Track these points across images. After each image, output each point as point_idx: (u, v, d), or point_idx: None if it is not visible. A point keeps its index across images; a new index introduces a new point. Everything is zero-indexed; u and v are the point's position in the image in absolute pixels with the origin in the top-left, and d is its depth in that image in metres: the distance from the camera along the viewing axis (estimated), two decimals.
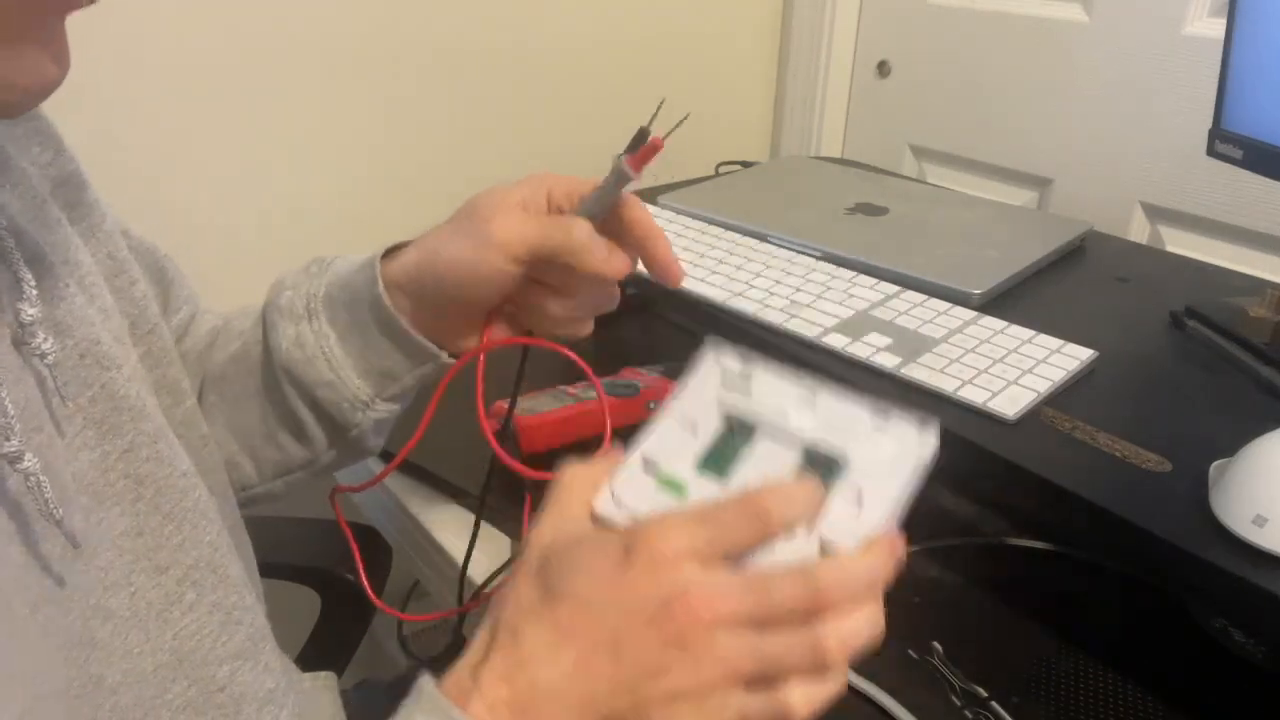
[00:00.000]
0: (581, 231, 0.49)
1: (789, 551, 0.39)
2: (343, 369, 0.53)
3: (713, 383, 0.46)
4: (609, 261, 0.50)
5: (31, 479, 0.34)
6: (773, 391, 0.45)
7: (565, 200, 0.52)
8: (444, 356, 0.53)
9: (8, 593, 0.33)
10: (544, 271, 0.51)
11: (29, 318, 0.37)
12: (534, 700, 0.34)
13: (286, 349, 0.53)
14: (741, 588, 0.35)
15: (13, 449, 0.34)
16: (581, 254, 0.49)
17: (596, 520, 0.41)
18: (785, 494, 0.38)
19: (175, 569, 0.42)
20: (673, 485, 0.42)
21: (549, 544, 0.38)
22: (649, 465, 0.43)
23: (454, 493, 0.71)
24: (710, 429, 0.44)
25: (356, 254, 0.56)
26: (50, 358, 0.37)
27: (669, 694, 0.34)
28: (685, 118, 0.55)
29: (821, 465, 0.42)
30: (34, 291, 0.37)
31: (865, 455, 0.42)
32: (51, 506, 0.35)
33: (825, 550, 0.39)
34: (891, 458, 0.42)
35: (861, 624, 0.36)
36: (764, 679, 0.35)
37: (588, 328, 0.55)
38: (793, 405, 0.44)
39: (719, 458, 0.43)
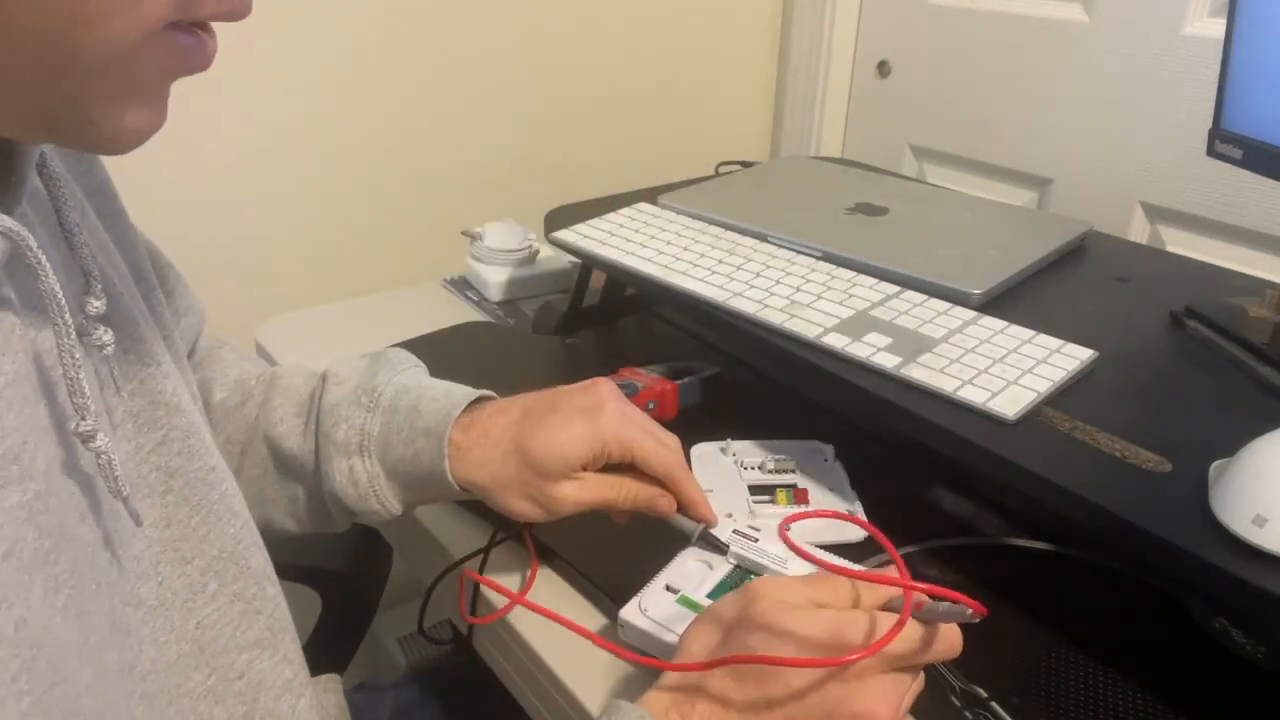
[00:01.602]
0: (631, 491, 0.56)
1: None
2: (388, 501, 0.58)
3: (725, 534, 0.56)
4: (659, 508, 0.56)
5: (103, 457, 0.36)
6: (776, 547, 0.56)
7: (619, 450, 0.55)
8: (476, 495, 0.57)
9: (82, 569, 0.35)
10: None
11: (95, 310, 0.39)
12: None
13: (340, 483, 0.57)
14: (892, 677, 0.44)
15: (88, 427, 0.35)
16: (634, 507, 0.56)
17: (623, 625, 0.52)
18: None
19: (199, 559, 0.44)
20: (690, 604, 0.53)
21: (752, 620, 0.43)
22: (671, 589, 0.54)
23: None
24: (723, 568, 0.55)
25: (407, 391, 0.59)
26: (108, 349, 0.39)
27: None
28: None
29: None
30: (99, 286, 0.39)
31: None
32: (120, 484, 0.37)
33: None
34: None
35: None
36: None
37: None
38: (793, 558, 0.55)
39: (729, 589, 0.53)
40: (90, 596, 0.35)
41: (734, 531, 0.57)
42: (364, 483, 0.57)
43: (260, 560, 0.48)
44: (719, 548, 0.56)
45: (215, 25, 0.35)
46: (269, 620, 0.47)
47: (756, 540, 0.57)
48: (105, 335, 0.39)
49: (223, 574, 0.45)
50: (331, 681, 0.61)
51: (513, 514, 0.55)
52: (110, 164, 1.00)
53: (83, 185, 0.47)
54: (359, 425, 0.57)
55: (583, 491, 0.54)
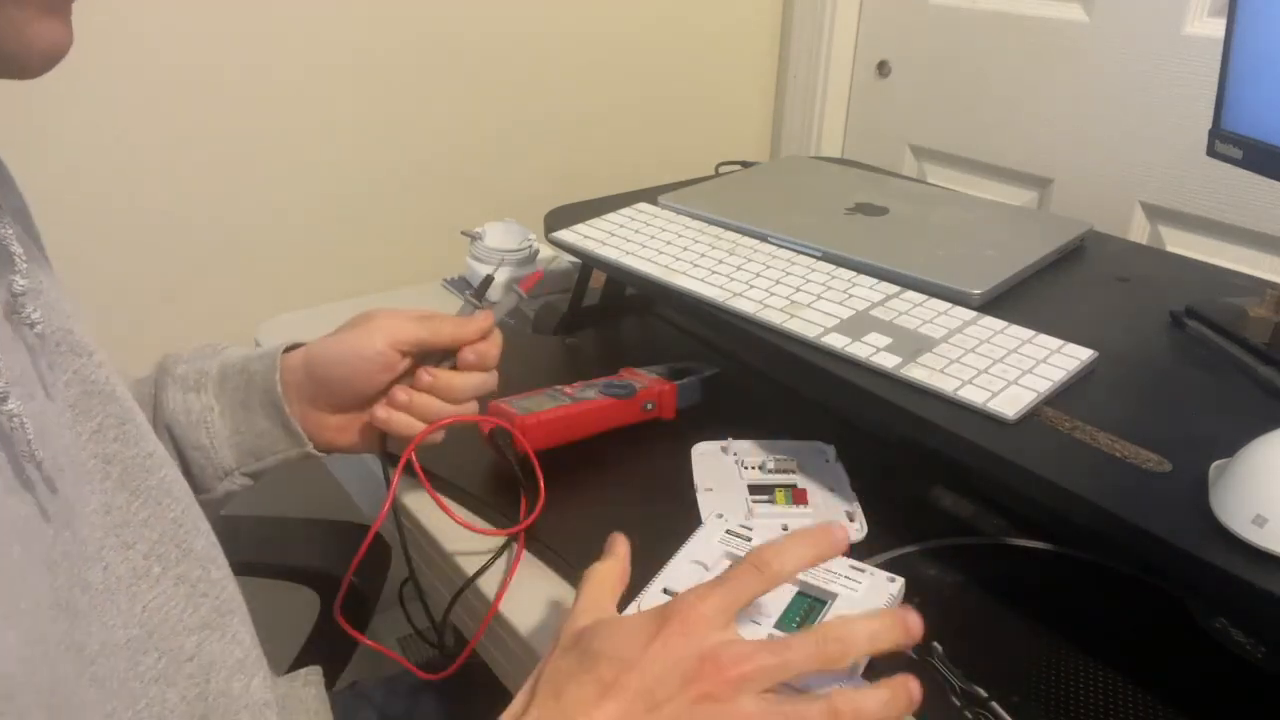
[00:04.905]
0: (450, 324, 0.63)
1: None
2: (217, 438, 0.61)
3: (719, 534, 0.57)
4: (474, 329, 0.63)
5: (15, 419, 0.36)
6: None
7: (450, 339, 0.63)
8: (310, 447, 0.62)
9: (10, 538, 0.34)
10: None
11: (20, 288, 0.39)
12: None
13: (172, 409, 0.61)
14: (761, 646, 0.41)
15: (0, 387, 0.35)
16: (452, 331, 0.62)
17: None
18: (777, 547, 0.44)
19: (141, 544, 0.44)
20: None
21: (584, 625, 0.43)
22: (668, 593, 0.53)
23: (452, 491, 0.71)
24: (718, 569, 0.53)
25: (250, 346, 0.66)
26: (39, 328, 0.39)
27: None
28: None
29: (812, 600, 0.52)
30: (25, 265, 0.39)
31: (847, 594, 0.52)
32: (33, 447, 0.36)
33: None
34: (867, 596, 0.52)
35: (874, 701, 0.40)
36: None
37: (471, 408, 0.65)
38: None
39: None
40: (19, 564, 0.35)
41: (727, 531, 0.57)
42: (197, 411, 0.60)
43: (204, 544, 0.48)
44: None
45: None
46: (215, 602, 0.47)
47: (750, 540, 0.57)
48: (35, 314, 0.39)
49: (165, 558, 0.45)
50: (312, 674, 0.61)
51: (342, 360, 0.61)
52: (110, 164, 1.00)
53: (6, 203, 0.47)
54: (198, 367, 0.62)
55: (405, 318, 0.62)
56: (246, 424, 0.61)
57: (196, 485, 0.60)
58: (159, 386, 0.61)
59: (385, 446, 0.64)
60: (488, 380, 0.64)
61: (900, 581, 0.54)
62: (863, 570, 0.55)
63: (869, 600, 0.53)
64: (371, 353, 0.61)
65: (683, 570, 0.56)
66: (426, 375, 0.62)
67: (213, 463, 0.61)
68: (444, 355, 0.63)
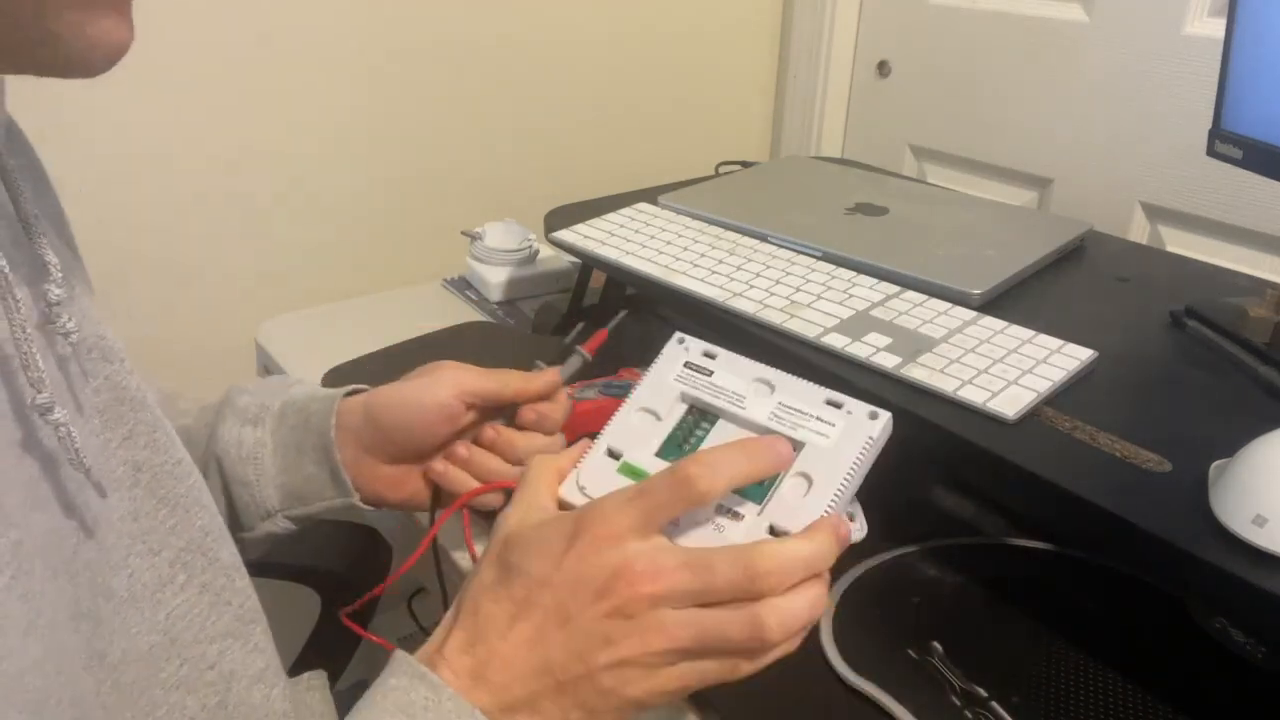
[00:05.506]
0: (517, 377, 0.60)
1: (739, 534, 0.42)
2: (264, 476, 0.60)
3: (674, 371, 0.48)
4: (539, 386, 0.60)
5: (62, 429, 0.36)
6: (733, 380, 0.47)
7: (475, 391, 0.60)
8: (356, 498, 0.60)
9: (28, 550, 0.34)
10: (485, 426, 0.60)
11: (55, 297, 0.38)
12: (492, 667, 0.39)
13: (225, 441, 0.60)
14: (682, 564, 0.38)
15: (44, 400, 0.35)
16: (519, 385, 0.59)
17: (563, 507, 0.45)
18: (709, 462, 0.40)
19: (167, 551, 0.44)
20: (634, 473, 0.44)
21: (513, 528, 0.42)
22: (612, 454, 0.45)
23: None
24: (673, 416, 0.46)
25: (321, 387, 0.64)
26: (74, 336, 0.39)
27: (617, 661, 0.38)
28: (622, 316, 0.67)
29: None
30: (60, 274, 0.39)
31: (817, 442, 0.43)
32: (81, 456, 0.36)
33: (774, 533, 0.42)
34: (840, 444, 0.43)
35: (801, 605, 0.39)
36: (706, 651, 0.39)
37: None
38: (751, 393, 0.46)
39: (679, 444, 0.45)
40: (41, 579, 0.35)
41: (686, 365, 0.48)
42: (249, 445, 0.59)
43: (229, 553, 0.48)
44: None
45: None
46: (239, 611, 0.47)
47: (711, 375, 0.47)
48: (69, 323, 0.39)
49: (191, 565, 0.45)
50: (316, 678, 0.61)
51: (404, 407, 0.59)
52: (110, 164, 1.00)
53: (41, 208, 0.47)
54: (261, 400, 0.61)
55: (470, 372, 0.59)
56: (295, 466, 0.60)
57: (239, 522, 0.60)
58: (219, 417, 0.61)
59: (434, 505, 0.61)
60: (550, 444, 0.61)
61: (885, 416, 0.44)
62: (839, 407, 0.45)
63: (843, 448, 0.43)
64: (435, 402, 0.58)
65: (631, 423, 0.47)
66: (490, 430, 0.60)
67: (256, 500, 0.60)
68: (509, 416, 0.61)
